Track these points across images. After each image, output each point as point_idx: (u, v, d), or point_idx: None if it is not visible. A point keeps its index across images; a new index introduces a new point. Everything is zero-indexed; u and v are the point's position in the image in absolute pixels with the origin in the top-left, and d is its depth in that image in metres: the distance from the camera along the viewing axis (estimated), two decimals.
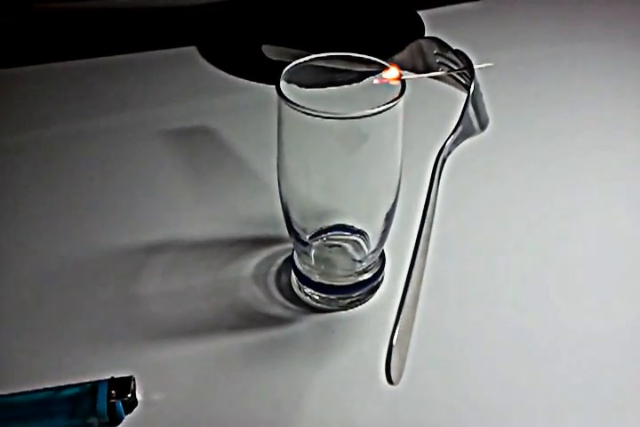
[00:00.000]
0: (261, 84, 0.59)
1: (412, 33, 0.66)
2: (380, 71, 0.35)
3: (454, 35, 0.63)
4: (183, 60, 0.64)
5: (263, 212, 0.45)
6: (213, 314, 0.39)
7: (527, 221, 0.46)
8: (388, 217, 0.38)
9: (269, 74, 0.57)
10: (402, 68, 0.38)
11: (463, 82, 0.35)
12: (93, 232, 0.45)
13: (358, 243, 0.40)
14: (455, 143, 0.30)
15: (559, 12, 0.73)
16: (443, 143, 0.29)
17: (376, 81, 0.34)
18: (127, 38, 0.65)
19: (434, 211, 0.29)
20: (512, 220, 0.46)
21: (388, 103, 0.32)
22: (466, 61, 0.34)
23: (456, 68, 0.35)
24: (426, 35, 0.65)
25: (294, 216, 0.38)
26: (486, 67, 0.34)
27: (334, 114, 0.32)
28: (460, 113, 0.31)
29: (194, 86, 0.60)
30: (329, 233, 0.40)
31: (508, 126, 0.53)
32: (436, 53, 0.37)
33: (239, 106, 0.57)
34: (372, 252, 0.39)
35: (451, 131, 0.30)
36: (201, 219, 0.46)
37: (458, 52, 0.35)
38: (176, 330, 0.38)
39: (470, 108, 0.30)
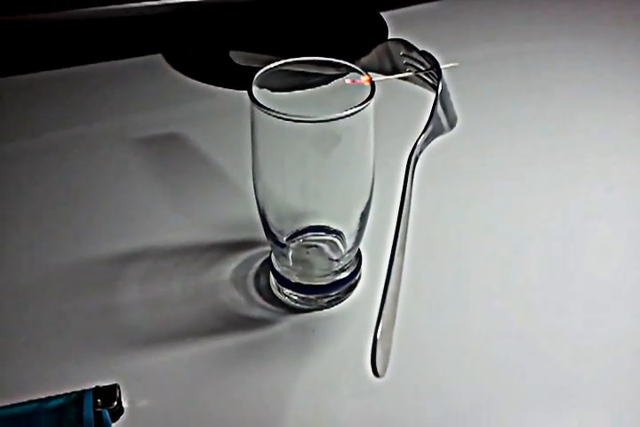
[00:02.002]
0: (230, 90, 0.60)
1: (376, 34, 0.67)
2: (348, 73, 0.36)
3: (418, 35, 0.64)
4: (150, 68, 0.64)
5: (239, 216, 0.45)
6: (194, 319, 0.39)
7: (498, 218, 0.47)
8: (363, 216, 0.38)
9: (237, 79, 0.58)
10: (369, 70, 0.39)
11: (430, 82, 0.36)
12: (69, 243, 0.45)
13: (335, 243, 0.41)
14: (426, 142, 0.30)
15: (520, 9, 0.74)
16: (414, 142, 0.30)
17: (348, 81, 0.35)
18: (92, 48, 0.65)
19: (409, 209, 0.30)
20: (484, 216, 0.47)
21: (359, 105, 0.33)
22: (432, 62, 0.35)
23: (423, 68, 0.36)
24: (390, 36, 0.66)
25: (271, 218, 0.38)
26: (452, 66, 0.35)
27: (306, 117, 0.32)
28: (429, 113, 0.31)
29: (163, 94, 0.60)
30: (305, 234, 0.40)
31: (475, 124, 0.54)
32: (402, 55, 0.38)
33: (209, 112, 0.58)
34: (349, 251, 0.40)
35: (421, 130, 0.31)
36: (177, 225, 0.46)
37: (424, 53, 0.36)
38: (158, 336, 0.38)
39: (439, 108, 0.31)
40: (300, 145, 0.34)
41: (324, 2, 0.69)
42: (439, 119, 0.31)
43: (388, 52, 0.38)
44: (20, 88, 0.60)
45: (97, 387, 0.35)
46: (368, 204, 0.38)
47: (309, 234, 0.41)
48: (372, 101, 0.34)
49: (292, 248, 0.40)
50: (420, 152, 0.30)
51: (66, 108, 0.58)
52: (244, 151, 0.36)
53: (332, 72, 0.39)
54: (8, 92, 0.60)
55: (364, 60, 0.39)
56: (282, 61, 0.36)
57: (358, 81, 0.35)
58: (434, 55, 0.35)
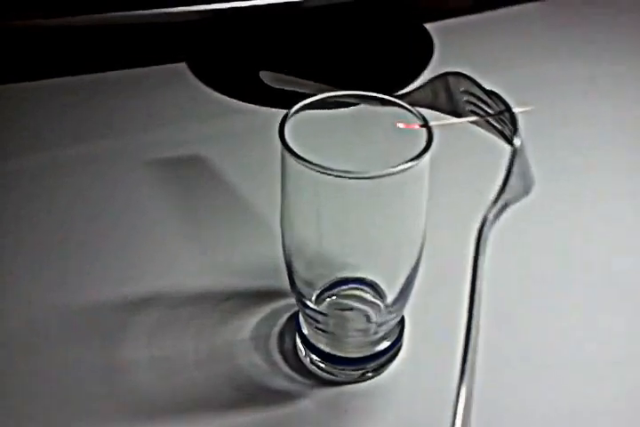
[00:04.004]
0: (260, 107, 0.54)
1: (421, 51, 0.61)
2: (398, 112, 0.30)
3: (467, 52, 0.58)
4: (172, 78, 0.58)
5: (265, 258, 0.40)
6: (206, 387, 0.34)
7: (580, 290, 0.40)
8: (410, 279, 0.33)
9: (270, 95, 0.52)
10: (421, 105, 0.34)
11: (498, 128, 0.30)
12: (69, 284, 0.40)
13: (374, 304, 0.35)
14: (497, 215, 0.25)
15: (582, 23, 0.67)
16: (483, 215, 0.25)
17: (401, 125, 0.29)
18: (110, 54, 0.60)
19: (481, 288, 0.25)
20: (563, 288, 0.40)
21: (412, 159, 0.27)
22: (502, 105, 0.29)
23: (490, 110, 0.30)
24: (436, 53, 0.60)
25: (299, 270, 0.33)
26: (526, 111, 0.29)
27: (348, 173, 0.27)
28: (501, 172, 0.26)
29: (184, 109, 0.55)
30: (340, 288, 0.35)
31: (553, 183, 0.44)
32: (463, 91, 0.32)
33: (236, 132, 0.52)
34: (391, 314, 0.34)
35: (491, 195, 0.25)
36: (192, 267, 0.40)
37: (491, 93, 0.30)
38: (163, 406, 0.33)
39: (515, 171, 0.25)
40: (339, 199, 0.29)
41: (363, 15, 0.63)
42: (514, 187, 0.25)
43: (447, 88, 0.33)
44: (26, 97, 0.55)
45: None
46: (416, 266, 0.33)
47: (344, 287, 0.35)
48: (428, 154, 0.28)
49: (324, 310, 0.35)
50: (492, 224, 0.25)
51: (71, 122, 0.52)
52: (275, 180, 0.31)
53: (379, 107, 0.34)
54: (10, 100, 0.55)
55: (416, 94, 0.34)
56: (318, 97, 0.31)
57: (413, 125, 0.29)
58: (503, 97, 0.29)
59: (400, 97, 0.34)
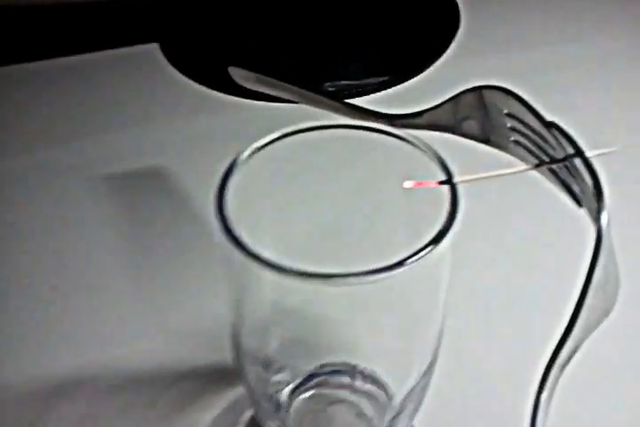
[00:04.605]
0: (246, 101, 0.43)
1: (442, 20, 0.49)
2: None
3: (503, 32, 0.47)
4: (139, 63, 0.48)
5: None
6: None
7: None
8: (423, 385, 0.23)
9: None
10: (443, 129, 0.23)
11: (564, 180, 0.19)
12: None
13: (374, 399, 0.25)
14: (565, 364, 0.15)
15: None
16: (550, 356, 0.14)
17: (409, 184, 0.19)
18: (61, 38, 0.49)
19: None
20: None
21: (424, 248, 0.17)
22: (567, 142, 0.19)
23: (547, 148, 0.20)
24: (462, 30, 0.48)
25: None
26: (608, 153, 0.18)
27: (326, 279, 0.17)
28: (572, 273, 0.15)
29: (151, 103, 0.44)
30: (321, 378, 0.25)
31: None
32: (506, 114, 0.21)
33: (214, 133, 0.42)
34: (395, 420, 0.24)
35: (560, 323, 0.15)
36: (134, 335, 0.31)
37: (550, 125, 0.19)
38: None
39: (596, 277, 0.15)
40: (317, 304, 0.19)
41: None
42: (594, 297, 0.15)
43: (481, 106, 0.22)
44: None
45: None
46: (429, 368, 0.23)
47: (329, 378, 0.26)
48: (449, 237, 0.18)
49: (296, 408, 0.25)
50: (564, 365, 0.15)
51: (7, 127, 0.42)
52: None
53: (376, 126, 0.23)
54: None
55: (437, 113, 0.23)
56: (281, 132, 0.20)
57: (428, 183, 0.19)
58: (568, 131, 0.19)
59: (414, 117, 0.23)
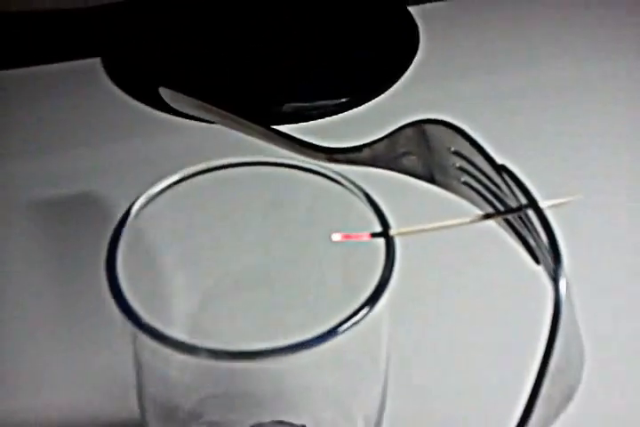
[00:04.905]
0: (192, 122, 0.40)
1: (401, 41, 0.47)
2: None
3: (463, 47, 0.45)
4: (79, 79, 0.45)
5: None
6: None
7: None
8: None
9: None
10: (383, 165, 0.21)
11: (520, 232, 0.17)
12: None
13: None
14: None
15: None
16: None
17: (337, 236, 0.16)
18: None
19: None
20: None
21: (356, 313, 0.15)
22: (519, 190, 0.16)
23: (500, 194, 0.17)
24: (422, 47, 0.46)
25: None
26: (565, 203, 0.16)
27: (244, 356, 0.14)
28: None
29: (86, 123, 0.41)
30: None
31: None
32: (453, 152, 0.19)
33: (152, 155, 0.39)
34: None
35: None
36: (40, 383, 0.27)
37: (502, 169, 0.17)
38: None
39: (557, 349, 0.12)
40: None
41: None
42: (552, 387, 0.12)
43: (425, 142, 0.19)
44: None
45: None
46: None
47: None
48: (384, 298, 0.15)
49: None
50: None
51: None
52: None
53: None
54: None
55: (370, 150, 0.20)
56: (182, 174, 0.17)
57: (359, 236, 0.16)
58: (517, 175, 0.16)
59: (353, 151, 0.21)
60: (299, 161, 0.17)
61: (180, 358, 0.15)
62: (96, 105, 0.43)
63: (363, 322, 0.15)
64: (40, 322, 0.30)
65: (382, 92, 0.43)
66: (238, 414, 0.23)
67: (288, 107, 0.42)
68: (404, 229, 0.16)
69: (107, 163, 0.38)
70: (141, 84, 0.44)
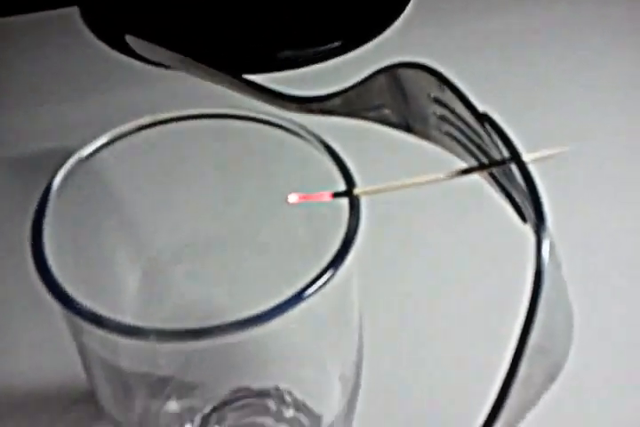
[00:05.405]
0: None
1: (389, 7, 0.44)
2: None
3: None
4: (53, 28, 0.42)
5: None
6: None
7: None
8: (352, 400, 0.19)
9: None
10: (357, 114, 0.19)
11: (503, 184, 0.15)
12: None
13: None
14: None
15: None
16: None
17: (293, 198, 0.14)
18: None
19: None
20: None
21: (315, 280, 0.13)
22: (501, 140, 0.14)
23: (483, 144, 0.15)
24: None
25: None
26: (554, 155, 0.14)
27: (195, 335, 0.12)
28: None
29: (63, 75, 0.39)
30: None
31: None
32: (433, 99, 0.17)
33: (133, 108, 0.37)
34: None
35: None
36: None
37: (483, 118, 0.15)
38: None
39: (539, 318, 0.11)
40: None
41: None
42: (532, 366, 0.11)
43: (400, 88, 0.17)
44: None
45: None
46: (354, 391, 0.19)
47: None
48: (348, 259, 0.13)
49: None
50: None
51: None
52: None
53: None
54: None
55: (342, 99, 0.18)
56: (147, 120, 0.15)
57: (320, 195, 0.14)
58: (500, 124, 0.14)
59: (325, 99, 0.19)
60: (253, 112, 0.15)
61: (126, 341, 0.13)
62: (74, 55, 0.41)
63: (329, 285, 0.14)
64: None
65: (374, 37, 0.41)
66: (215, 382, 0.22)
67: (282, 54, 0.40)
68: (370, 188, 0.14)
69: (87, 115, 0.36)
70: (119, 34, 0.42)
